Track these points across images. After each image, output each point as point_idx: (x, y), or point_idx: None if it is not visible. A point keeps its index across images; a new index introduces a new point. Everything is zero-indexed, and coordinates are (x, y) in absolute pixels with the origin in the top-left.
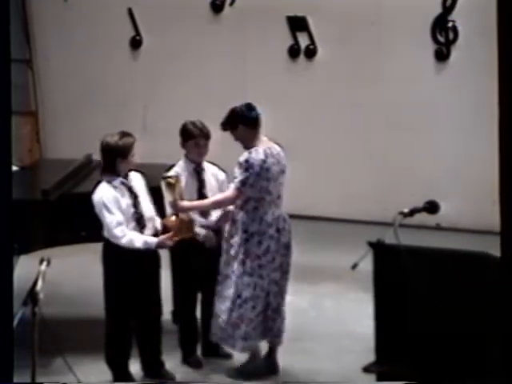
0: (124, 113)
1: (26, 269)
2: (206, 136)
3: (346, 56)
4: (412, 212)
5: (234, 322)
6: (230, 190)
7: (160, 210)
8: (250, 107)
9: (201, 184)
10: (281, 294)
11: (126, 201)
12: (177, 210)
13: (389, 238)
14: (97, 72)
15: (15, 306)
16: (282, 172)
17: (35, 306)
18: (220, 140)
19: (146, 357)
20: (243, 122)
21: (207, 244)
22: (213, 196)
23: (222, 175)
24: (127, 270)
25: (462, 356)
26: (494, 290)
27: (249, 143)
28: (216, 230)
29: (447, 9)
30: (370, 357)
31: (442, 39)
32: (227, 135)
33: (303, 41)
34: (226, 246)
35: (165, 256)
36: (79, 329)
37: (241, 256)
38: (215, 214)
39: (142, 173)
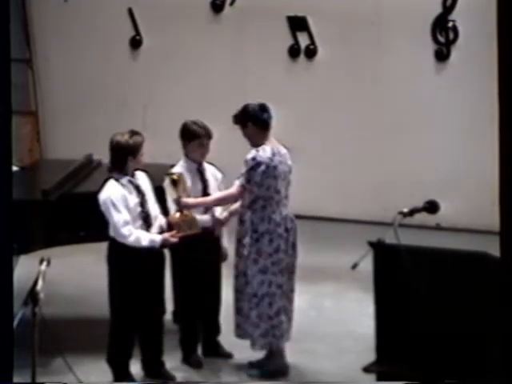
0: (124, 113)
1: (26, 269)
2: (209, 135)
3: (346, 56)
4: (412, 212)
5: (253, 321)
6: (234, 187)
7: (162, 209)
8: (263, 108)
9: (204, 184)
10: (287, 294)
11: (133, 199)
12: (181, 206)
13: (389, 237)
14: (97, 72)
15: (15, 306)
16: (289, 172)
17: (35, 306)
18: (218, 140)
19: (148, 356)
20: (253, 121)
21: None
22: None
23: (219, 175)
24: (132, 269)
25: (462, 356)
26: (494, 289)
27: (256, 142)
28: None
29: (447, 9)
30: (370, 357)
31: (442, 39)
32: (227, 135)
33: (303, 41)
34: (236, 247)
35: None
36: (79, 329)
37: (253, 255)
38: (217, 212)
39: (147, 172)
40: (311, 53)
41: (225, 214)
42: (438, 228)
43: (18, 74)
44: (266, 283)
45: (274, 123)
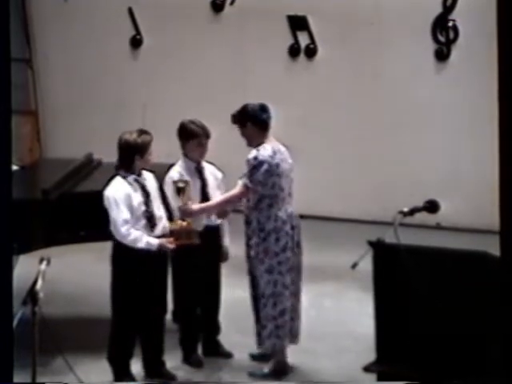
0: (124, 112)
1: (25, 268)
2: (207, 135)
3: (346, 55)
4: (412, 211)
5: (262, 323)
6: (237, 188)
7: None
8: (263, 108)
9: (203, 183)
10: (296, 293)
11: (138, 198)
12: (187, 215)
13: (389, 237)
14: (97, 71)
15: (15, 305)
16: (291, 169)
17: (35, 306)
18: (218, 139)
19: (148, 356)
20: (252, 121)
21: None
22: (213, 194)
23: (219, 174)
24: (136, 269)
25: (462, 356)
26: (494, 289)
27: (254, 142)
28: (216, 231)
29: (447, 8)
30: (370, 356)
31: (442, 39)
32: (227, 135)
33: (303, 40)
34: (246, 250)
35: None
36: (79, 328)
37: (260, 255)
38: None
39: (154, 172)
40: (311, 52)
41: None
42: (438, 227)
43: (17, 74)
44: (272, 283)
45: (274, 123)
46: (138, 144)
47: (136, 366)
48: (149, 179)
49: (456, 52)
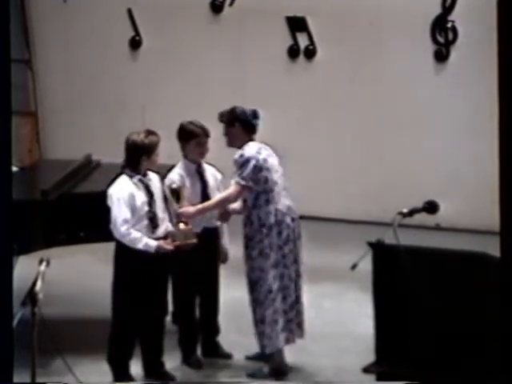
0: (123, 113)
1: (25, 269)
2: (207, 135)
3: (346, 56)
4: (411, 212)
5: (272, 318)
6: (232, 187)
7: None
8: (254, 114)
9: (204, 185)
10: (300, 286)
11: (141, 198)
12: (185, 217)
13: (388, 238)
14: (96, 72)
15: (15, 306)
16: (279, 165)
17: (35, 307)
18: (217, 140)
19: (148, 357)
20: (241, 123)
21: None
22: (214, 196)
23: (219, 176)
24: (138, 269)
25: (462, 356)
26: (493, 289)
27: (237, 143)
28: (215, 232)
29: (447, 9)
30: (369, 357)
31: (441, 40)
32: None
33: (303, 41)
34: (247, 252)
35: None
36: (79, 329)
37: (266, 250)
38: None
39: (159, 173)
40: (310, 53)
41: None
42: (437, 228)
43: (17, 75)
44: (278, 277)
45: (273, 123)
46: (146, 145)
47: (135, 367)
48: (154, 180)
49: (455, 53)
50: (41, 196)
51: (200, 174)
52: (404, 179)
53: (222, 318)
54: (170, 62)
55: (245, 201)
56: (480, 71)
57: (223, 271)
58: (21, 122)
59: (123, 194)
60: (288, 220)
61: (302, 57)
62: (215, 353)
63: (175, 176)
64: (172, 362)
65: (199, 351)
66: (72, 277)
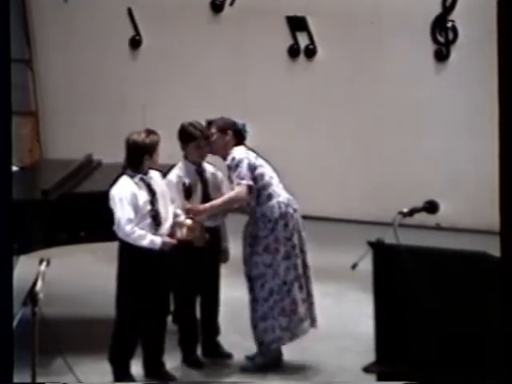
0: (124, 113)
1: (25, 269)
2: (207, 137)
3: (346, 56)
4: (412, 212)
5: (290, 309)
6: (237, 188)
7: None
8: (244, 126)
9: (204, 185)
10: (309, 276)
11: (143, 197)
12: (193, 213)
13: (388, 237)
14: (97, 72)
15: (15, 306)
16: (267, 162)
17: (35, 306)
18: None
19: (149, 356)
20: (234, 131)
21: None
22: (215, 195)
23: (220, 175)
24: (143, 267)
25: (462, 356)
26: (494, 289)
27: (224, 151)
28: (217, 232)
29: (447, 9)
30: (370, 357)
31: (441, 39)
32: None
33: (303, 41)
34: (252, 249)
35: None
36: (79, 329)
37: (273, 246)
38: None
39: (161, 172)
40: (311, 53)
41: None
42: (437, 228)
43: (17, 75)
44: (292, 267)
45: (274, 123)
46: (147, 144)
47: (135, 367)
48: (155, 178)
49: (455, 53)
50: (41, 196)
51: (200, 175)
52: (404, 179)
53: (222, 318)
54: (170, 62)
55: (247, 204)
56: (480, 71)
57: (223, 271)
58: (21, 121)
59: (125, 193)
60: (291, 211)
61: (302, 56)
62: (215, 353)
63: (174, 177)
64: (172, 361)
65: (199, 351)
66: (72, 277)
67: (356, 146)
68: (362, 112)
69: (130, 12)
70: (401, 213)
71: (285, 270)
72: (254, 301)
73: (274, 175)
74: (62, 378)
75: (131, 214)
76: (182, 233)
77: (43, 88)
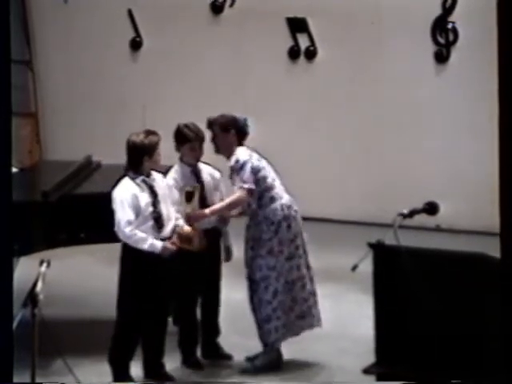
0: (124, 114)
1: (25, 270)
2: (201, 139)
3: (346, 57)
4: (411, 213)
5: (289, 306)
6: (238, 191)
7: None
8: (245, 121)
9: (201, 186)
10: (312, 277)
11: (145, 199)
12: (192, 219)
13: (388, 239)
14: (97, 73)
15: (15, 307)
16: (269, 164)
17: (35, 308)
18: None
19: (149, 358)
20: (237, 129)
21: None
22: (211, 196)
23: (217, 174)
24: (143, 271)
25: (462, 357)
26: (493, 291)
27: (227, 150)
28: (217, 233)
29: (447, 10)
30: (369, 358)
31: (441, 40)
32: None
33: (303, 42)
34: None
35: None
36: (79, 330)
37: (277, 248)
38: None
39: (163, 173)
40: (311, 54)
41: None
42: (437, 229)
43: (17, 76)
44: (295, 267)
45: (274, 124)
46: (146, 145)
47: (135, 368)
48: (158, 180)
49: (456, 54)
50: (41, 197)
51: (196, 176)
52: (404, 179)
53: (222, 319)
54: (170, 63)
55: (249, 205)
56: (480, 72)
57: (224, 271)
58: (21, 122)
59: (126, 195)
60: (293, 212)
61: (302, 58)
62: (215, 354)
63: (170, 181)
64: (172, 363)
65: (199, 352)
66: (72, 278)
67: (356, 146)
68: (362, 112)
69: (130, 13)
70: (401, 214)
71: (288, 270)
72: (257, 303)
73: (276, 177)
74: (61, 379)
75: (131, 216)
76: (181, 243)
77: (43, 89)
